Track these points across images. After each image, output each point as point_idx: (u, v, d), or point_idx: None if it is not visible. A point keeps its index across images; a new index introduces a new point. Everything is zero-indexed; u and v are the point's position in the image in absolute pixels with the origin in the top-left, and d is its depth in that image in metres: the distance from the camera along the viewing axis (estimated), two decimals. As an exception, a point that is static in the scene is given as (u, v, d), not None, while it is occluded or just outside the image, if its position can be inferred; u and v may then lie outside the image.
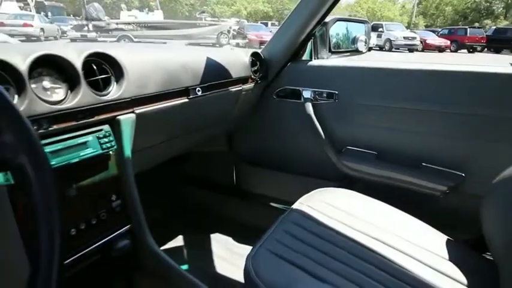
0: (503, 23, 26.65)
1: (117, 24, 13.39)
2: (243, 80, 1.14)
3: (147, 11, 18.57)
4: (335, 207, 0.84)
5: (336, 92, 1.15)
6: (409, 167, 1.07)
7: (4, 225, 0.57)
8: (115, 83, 0.74)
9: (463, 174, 1.00)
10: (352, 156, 1.17)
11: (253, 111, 1.31)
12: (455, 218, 0.97)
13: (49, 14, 19.26)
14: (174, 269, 0.86)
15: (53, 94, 0.63)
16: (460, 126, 0.98)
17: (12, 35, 8.50)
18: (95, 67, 0.70)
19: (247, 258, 0.70)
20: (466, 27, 18.48)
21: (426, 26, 31.34)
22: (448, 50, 16.78)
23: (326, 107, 1.18)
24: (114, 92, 0.73)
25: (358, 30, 1.36)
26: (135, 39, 12.35)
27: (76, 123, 0.66)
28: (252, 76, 1.16)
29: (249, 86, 1.17)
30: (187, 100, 0.92)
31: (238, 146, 1.43)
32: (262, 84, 1.24)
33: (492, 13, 30.43)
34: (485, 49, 17.23)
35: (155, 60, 0.85)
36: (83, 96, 0.66)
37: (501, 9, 30.38)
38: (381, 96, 1.09)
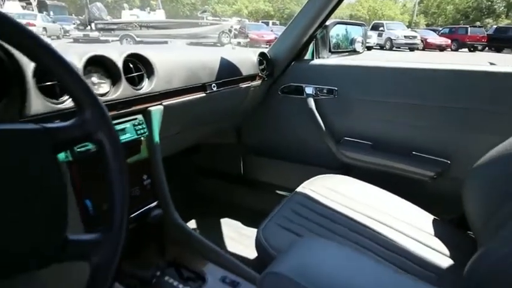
0: (504, 22, 26.53)
1: (119, 23, 13.38)
2: (252, 78, 1.23)
3: (149, 10, 18.58)
4: (334, 191, 0.93)
5: (336, 89, 1.25)
6: (401, 156, 1.16)
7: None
8: (147, 79, 0.85)
9: (449, 162, 1.10)
10: (349, 146, 1.27)
11: (260, 106, 1.41)
12: (441, 200, 1.04)
13: (51, 13, 19.25)
14: (196, 237, 0.98)
15: (99, 88, 0.74)
16: (446, 119, 1.08)
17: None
18: (131, 66, 0.82)
19: (258, 230, 0.80)
20: (467, 26, 18.32)
21: (427, 25, 31.15)
22: (449, 49, 16.66)
23: (326, 102, 1.28)
24: (147, 86, 0.84)
25: (355, 32, 1.46)
26: (138, 39, 12.37)
27: (117, 112, 0.77)
28: (260, 74, 1.26)
29: (257, 83, 1.26)
30: (204, 95, 1.03)
31: (245, 139, 1.53)
32: (268, 81, 1.33)
33: (493, 12, 30.22)
34: (486, 48, 17.12)
35: (179, 59, 0.97)
36: (123, 90, 0.77)
37: (502, 8, 30.18)
38: (375, 92, 1.18)
